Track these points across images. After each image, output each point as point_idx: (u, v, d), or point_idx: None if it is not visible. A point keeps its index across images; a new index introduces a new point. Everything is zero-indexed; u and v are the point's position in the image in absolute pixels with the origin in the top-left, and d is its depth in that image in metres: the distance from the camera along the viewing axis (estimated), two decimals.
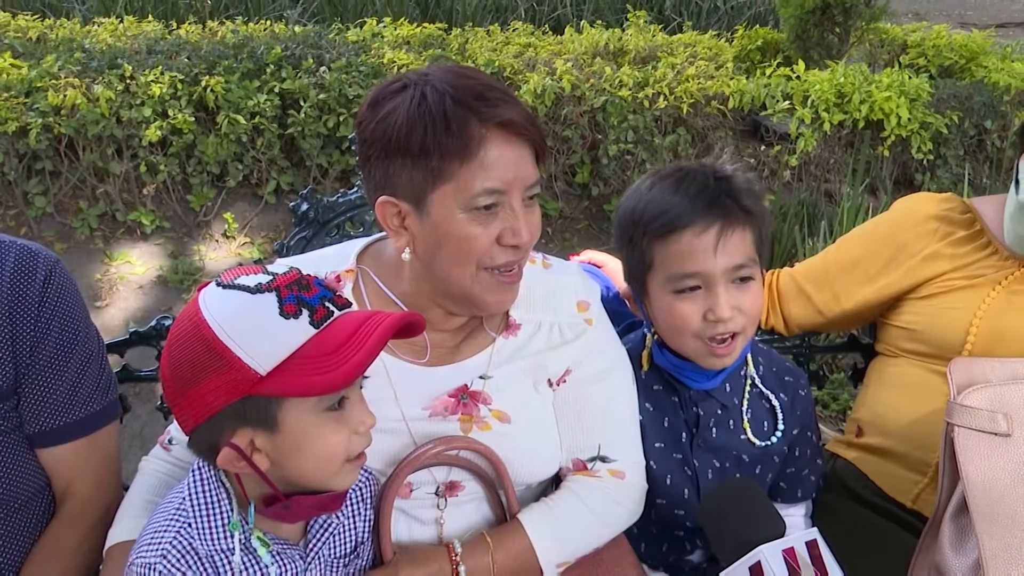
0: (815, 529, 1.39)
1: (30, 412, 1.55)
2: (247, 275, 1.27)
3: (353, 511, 1.46)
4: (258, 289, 1.24)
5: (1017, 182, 1.77)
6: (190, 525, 1.30)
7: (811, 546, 1.35)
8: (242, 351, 1.20)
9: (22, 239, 1.59)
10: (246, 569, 1.32)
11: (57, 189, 4.79)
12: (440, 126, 1.38)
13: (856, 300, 1.96)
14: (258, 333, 1.21)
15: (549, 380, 1.60)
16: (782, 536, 1.36)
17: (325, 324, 1.25)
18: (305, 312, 1.23)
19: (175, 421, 1.54)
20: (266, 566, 1.33)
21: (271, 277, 1.26)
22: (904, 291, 1.91)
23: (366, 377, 1.36)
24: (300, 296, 1.24)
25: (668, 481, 1.72)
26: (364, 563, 1.49)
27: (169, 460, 1.55)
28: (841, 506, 1.85)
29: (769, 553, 1.32)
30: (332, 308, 1.27)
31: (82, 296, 1.63)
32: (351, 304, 1.32)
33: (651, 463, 1.70)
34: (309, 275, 1.29)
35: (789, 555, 1.32)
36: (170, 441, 1.56)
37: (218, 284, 1.27)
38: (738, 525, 1.39)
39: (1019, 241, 1.80)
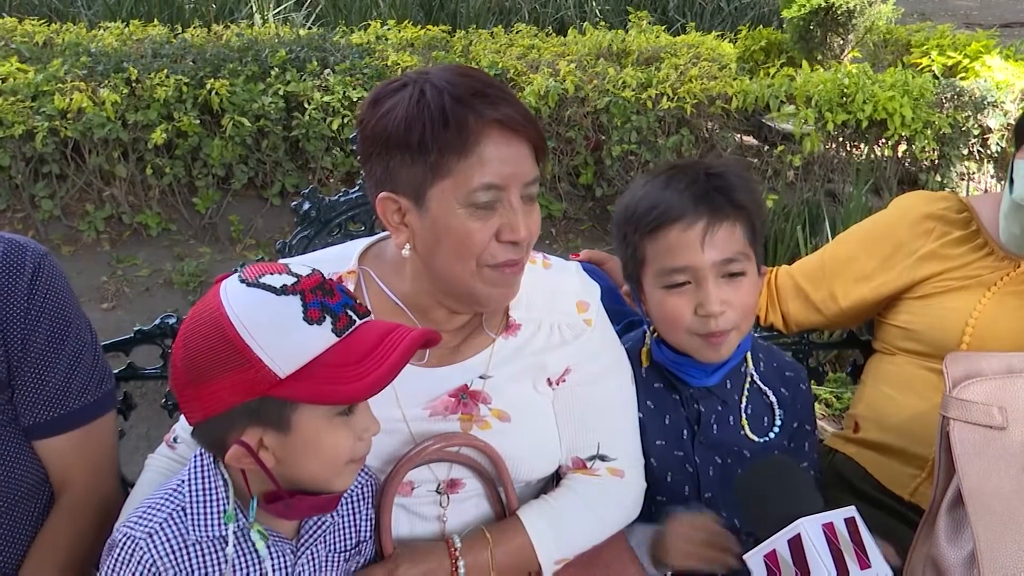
0: (853, 507, 1.37)
1: (25, 404, 1.55)
2: (271, 274, 1.26)
3: (353, 509, 1.48)
4: (283, 291, 1.23)
5: (1011, 181, 1.78)
6: (184, 510, 1.31)
7: (850, 524, 1.34)
8: (264, 352, 1.20)
9: (9, 233, 1.59)
10: (239, 559, 1.33)
11: (64, 192, 4.83)
12: (438, 122, 1.39)
13: (853, 298, 1.97)
14: (282, 336, 1.21)
15: (549, 379, 1.61)
16: (821, 512, 1.35)
17: (347, 333, 1.25)
18: (328, 319, 1.24)
19: (180, 419, 1.56)
20: (259, 559, 1.33)
21: (295, 279, 1.25)
22: (900, 290, 1.92)
23: None
24: (324, 302, 1.24)
25: (669, 478, 1.72)
26: (365, 560, 1.50)
27: (174, 458, 1.57)
28: (840, 499, 1.84)
29: (809, 526, 1.31)
30: (354, 317, 1.27)
31: (72, 289, 1.62)
32: (370, 313, 1.32)
33: (652, 461, 1.71)
34: (331, 280, 1.30)
35: (828, 530, 1.31)
36: (175, 440, 1.57)
37: (241, 280, 1.26)
38: (778, 500, 1.38)
39: (1013, 241, 1.81)
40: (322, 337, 1.23)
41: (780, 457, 1.64)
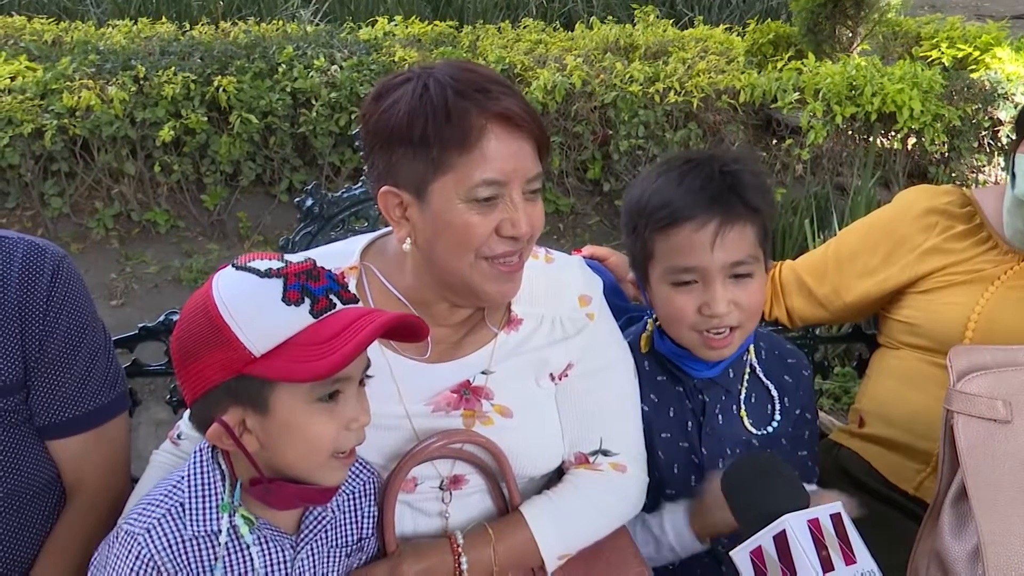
0: (839, 503, 1.37)
1: (40, 405, 1.57)
2: (262, 260, 1.30)
3: (355, 505, 1.48)
4: (267, 274, 1.27)
5: (1013, 176, 1.77)
6: (182, 505, 1.34)
7: (835, 519, 1.33)
8: (240, 331, 1.24)
9: (29, 235, 1.61)
10: (231, 553, 1.34)
11: (73, 190, 4.84)
12: (440, 116, 1.39)
13: (856, 293, 1.96)
14: (258, 315, 1.24)
15: (551, 374, 1.61)
16: (807, 508, 1.35)
17: (324, 315, 1.27)
18: (307, 301, 1.26)
19: (184, 415, 1.57)
20: (247, 546, 1.35)
21: (283, 264, 1.29)
22: (903, 285, 1.91)
23: (369, 376, 1.37)
24: (306, 285, 1.27)
25: (675, 470, 1.72)
26: (367, 556, 1.50)
27: (178, 454, 1.57)
28: (844, 495, 1.86)
29: (795, 523, 1.31)
30: (335, 301, 1.29)
31: (88, 291, 1.65)
32: (358, 300, 1.33)
33: (659, 455, 1.71)
34: (322, 267, 1.32)
35: (814, 526, 1.31)
36: (179, 436, 1.58)
37: (233, 265, 1.31)
38: (763, 496, 1.38)
39: (1018, 236, 1.80)
40: (298, 318, 1.25)
41: (765, 453, 1.64)
